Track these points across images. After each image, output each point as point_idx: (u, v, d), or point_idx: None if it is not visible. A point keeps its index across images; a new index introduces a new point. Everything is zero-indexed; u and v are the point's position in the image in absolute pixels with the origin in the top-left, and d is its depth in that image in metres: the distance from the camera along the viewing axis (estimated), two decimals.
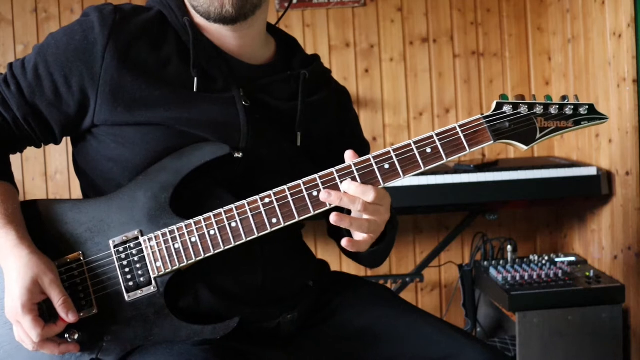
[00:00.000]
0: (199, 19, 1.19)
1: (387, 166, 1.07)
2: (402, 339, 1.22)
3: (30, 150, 2.54)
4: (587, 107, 1.09)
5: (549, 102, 1.10)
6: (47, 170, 2.86)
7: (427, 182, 2.36)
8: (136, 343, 1.09)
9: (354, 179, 1.07)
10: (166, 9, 1.19)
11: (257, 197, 1.08)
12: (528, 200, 2.59)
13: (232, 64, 1.20)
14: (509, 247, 2.51)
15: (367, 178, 1.07)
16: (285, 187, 1.08)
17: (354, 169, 1.07)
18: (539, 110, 1.09)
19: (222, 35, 1.20)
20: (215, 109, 1.14)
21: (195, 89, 1.14)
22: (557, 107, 1.09)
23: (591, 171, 2.39)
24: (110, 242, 1.10)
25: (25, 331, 1.03)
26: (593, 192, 2.40)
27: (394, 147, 1.08)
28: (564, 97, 1.11)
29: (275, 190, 1.08)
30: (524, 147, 1.08)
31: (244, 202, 1.08)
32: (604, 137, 2.45)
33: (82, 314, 1.08)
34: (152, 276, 1.09)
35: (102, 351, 1.08)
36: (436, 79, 2.94)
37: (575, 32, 2.66)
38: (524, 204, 2.71)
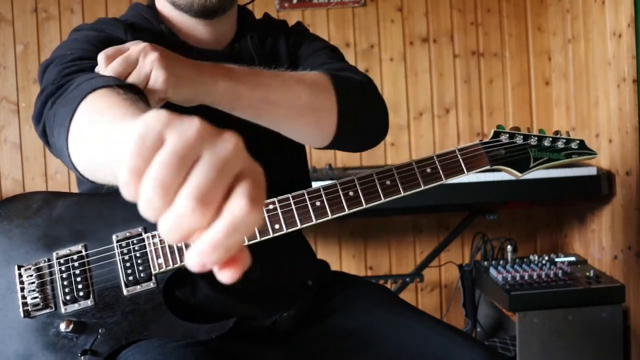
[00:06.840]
0: (173, 23, 1.20)
1: (388, 182, 1.12)
2: (400, 340, 1.21)
3: (30, 150, 2.55)
4: (577, 142, 1.16)
5: (542, 134, 1.16)
6: (47, 170, 2.85)
7: None
8: (131, 337, 1.09)
9: (355, 191, 1.11)
10: (140, 18, 1.20)
11: None
12: (528, 200, 2.59)
13: (216, 58, 1.21)
14: (509, 247, 2.51)
15: (368, 191, 1.12)
16: (289, 195, 1.12)
17: (356, 182, 1.12)
18: (533, 141, 1.14)
19: (197, 32, 1.21)
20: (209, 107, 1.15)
21: None
22: (550, 140, 1.15)
23: (591, 171, 2.38)
24: (114, 236, 1.12)
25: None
26: (593, 192, 2.40)
27: (396, 165, 1.14)
28: (556, 132, 1.17)
29: (279, 197, 1.12)
30: (519, 174, 1.13)
31: None
32: (604, 137, 2.45)
33: (79, 305, 1.10)
34: (153, 272, 1.10)
35: (95, 343, 1.09)
36: (436, 79, 2.94)
37: (575, 32, 2.66)
38: (524, 204, 2.71)
